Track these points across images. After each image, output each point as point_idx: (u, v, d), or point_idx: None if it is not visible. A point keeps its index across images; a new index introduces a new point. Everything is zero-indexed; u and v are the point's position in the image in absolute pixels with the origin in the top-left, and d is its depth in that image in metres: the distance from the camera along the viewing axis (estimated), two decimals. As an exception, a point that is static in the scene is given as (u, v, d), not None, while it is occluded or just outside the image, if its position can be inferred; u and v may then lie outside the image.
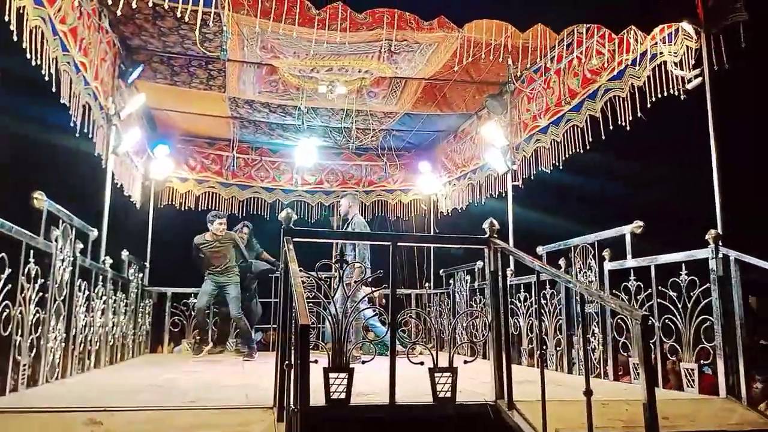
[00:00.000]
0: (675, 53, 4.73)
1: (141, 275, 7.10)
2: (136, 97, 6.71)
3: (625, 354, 4.59)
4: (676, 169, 7.81)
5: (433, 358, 3.24)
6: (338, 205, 7.54)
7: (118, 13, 4.76)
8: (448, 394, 3.22)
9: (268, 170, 9.65)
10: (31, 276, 3.67)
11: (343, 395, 3.06)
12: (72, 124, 5.07)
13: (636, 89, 5.15)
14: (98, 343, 5.21)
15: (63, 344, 4.27)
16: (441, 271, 8.01)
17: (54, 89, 4.49)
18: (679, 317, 4.05)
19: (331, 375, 3.08)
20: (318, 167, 9.72)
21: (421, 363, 3.25)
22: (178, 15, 4.59)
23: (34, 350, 3.76)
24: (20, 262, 3.52)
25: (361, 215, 7.09)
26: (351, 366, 3.11)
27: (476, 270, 6.79)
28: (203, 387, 4.04)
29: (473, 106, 7.85)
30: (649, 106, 5.02)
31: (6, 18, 3.66)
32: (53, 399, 3.30)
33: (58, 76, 4.54)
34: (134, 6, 4.41)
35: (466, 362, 3.33)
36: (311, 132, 8.77)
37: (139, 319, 6.97)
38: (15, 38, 3.82)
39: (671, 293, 4.12)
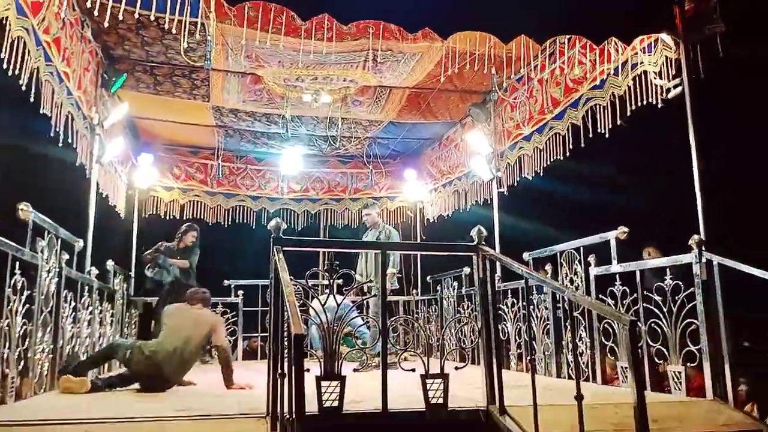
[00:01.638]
0: (655, 63, 4.83)
1: (126, 285, 7.04)
2: (120, 107, 6.66)
3: (613, 357, 4.66)
4: (657, 175, 7.96)
5: (424, 365, 3.26)
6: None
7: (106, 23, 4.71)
8: (440, 401, 3.25)
9: (254, 179, 9.64)
10: (17, 288, 3.63)
11: (335, 403, 3.07)
12: (54, 134, 5.03)
13: (617, 98, 5.25)
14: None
15: (50, 356, 4.23)
16: (428, 277, 8.06)
17: (34, 99, 4.46)
18: (665, 321, 4.12)
19: (324, 383, 3.10)
20: (304, 175, 9.74)
21: (413, 370, 3.28)
22: (165, 27, 4.57)
23: (22, 363, 3.71)
24: (6, 274, 3.49)
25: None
26: (343, 374, 3.14)
27: (463, 276, 6.85)
28: (195, 396, 4.03)
29: (457, 114, 7.93)
30: (629, 114, 5.11)
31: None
32: (45, 411, 3.26)
33: (39, 86, 4.50)
34: (120, 17, 4.39)
35: (457, 368, 3.37)
36: (296, 140, 8.79)
37: (125, 330, 6.90)
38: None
39: (656, 297, 4.19)
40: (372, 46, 5.73)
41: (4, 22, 3.79)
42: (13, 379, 3.57)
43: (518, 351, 5.88)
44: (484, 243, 3.63)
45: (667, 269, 4.15)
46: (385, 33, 5.49)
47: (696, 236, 4.02)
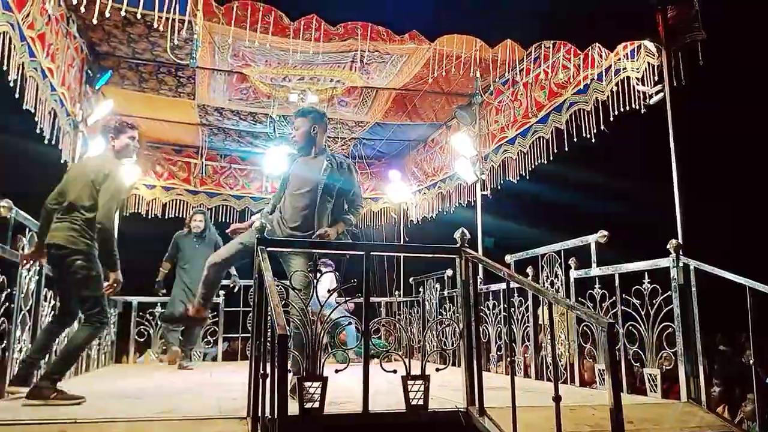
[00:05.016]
0: (637, 69, 4.90)
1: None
2: (104, 104, 6.60)
3: (591, 360, 4.72)
4: (640, 180, 8.07)
5: (405, 366, 3.29)
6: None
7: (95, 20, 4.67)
8: (421, 402, 3.27)
9: (238, 178, 9.59)
10: (-3, 286, 3.60)
11: (316, 404, 3.08)
12: (38, 131, 4.99)
13: (600, 103, 5.32)
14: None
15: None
16: (410, 279, 8.09)
17: (18, 95, 4.43)
18: (642, 324, 4.19)
19: (305, 384, 3.10)
20: (288, 175, 9.68)
21: (394, 371, 3.30)
22: (153, 24, 4.54)
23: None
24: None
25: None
26: (325, 375, 3.15)
27: (445, 278, 6.88)
28: (174, 396, 4.01)
29: (443, 116, 7.97)
30: (612, 119, 5.18)
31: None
32: (22, 411, 3.24)
33: (23, 82, 4.47)
34: (107, 14, 4.37)
35: (438, 370, 3.40)
36: (282, 140, 8.76)
37: (105, 328, 6.82)
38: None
39: (635, 301, 4.26)
40: (359, 47, 5.75)
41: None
42: (-9, 378, 3.54)
43: (499, 353, 5.93)
44: (467, 245, 3.66)
45: (645, 273, 4.21)
46: (372, 34, 5.51)
47: (674, 240, 4.09)
